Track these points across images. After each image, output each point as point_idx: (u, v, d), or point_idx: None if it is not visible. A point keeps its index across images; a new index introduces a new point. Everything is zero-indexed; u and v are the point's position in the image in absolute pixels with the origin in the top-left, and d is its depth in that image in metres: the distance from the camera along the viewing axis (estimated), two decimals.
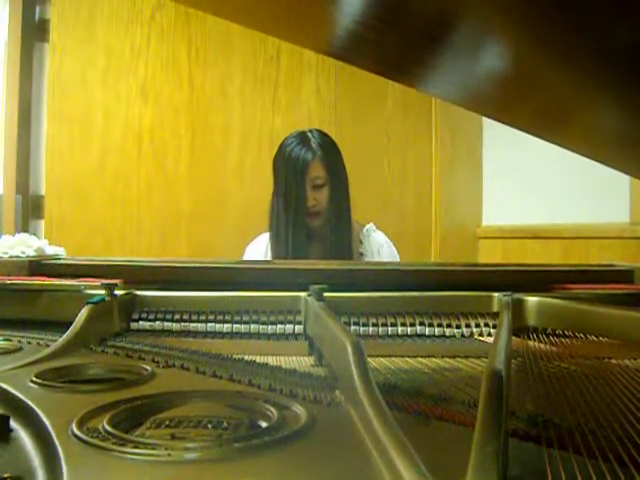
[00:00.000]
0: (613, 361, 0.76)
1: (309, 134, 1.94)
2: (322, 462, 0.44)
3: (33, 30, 2.79)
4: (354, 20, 0.47)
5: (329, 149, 1.95)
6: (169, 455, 0.43)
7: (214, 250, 2.66)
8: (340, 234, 1.94)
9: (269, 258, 1.96)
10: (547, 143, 0.85)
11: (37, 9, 2.79)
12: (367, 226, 2.05)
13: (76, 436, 0.46)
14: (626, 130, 0.77)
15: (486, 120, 2.94)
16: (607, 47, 0.53)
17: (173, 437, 0.48)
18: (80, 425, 0.48)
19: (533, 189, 2.82)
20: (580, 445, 0.45)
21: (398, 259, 2.06)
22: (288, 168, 1.89)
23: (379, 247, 2.01)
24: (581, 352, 0.82)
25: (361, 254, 2.01)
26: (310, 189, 1.90)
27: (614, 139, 0.84)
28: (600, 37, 0.51)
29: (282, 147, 1.94)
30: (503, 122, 0.82)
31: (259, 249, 2.03)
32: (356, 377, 0.55)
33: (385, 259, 2.00)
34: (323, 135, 1.98)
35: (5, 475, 0.40)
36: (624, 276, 1.13)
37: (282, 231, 1.91)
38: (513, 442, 0.47)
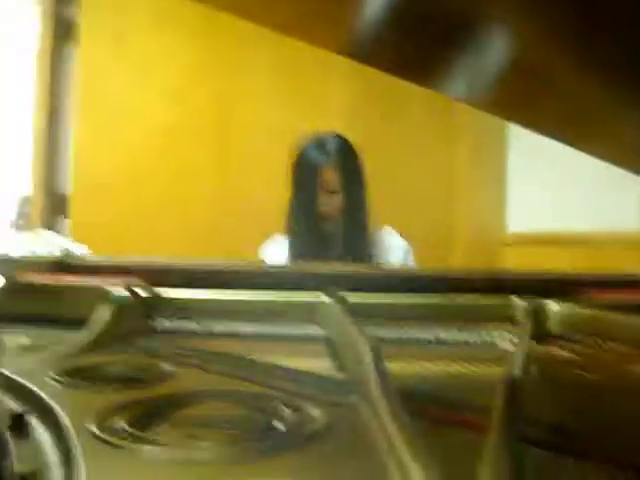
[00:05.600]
0: (637, 370, 0.75)
1: (327, 138, 1.93)
2: (337, 465, 0.44)
3: (62, 32, 2.82)
4: (373, 21, 0.47)
5: (345, 154, 1.91)
6: (185, 455, 0.43)
7: (240, 251, 2.66)
8: (354, 241, 1.92)
9: (283, 259, 1.96)
10: (575, 149, 0.84)
11: (66, 11, 2.83)
12: (383, 229, 2.03)
13: (93, 434, 0.47)
14: None
15: (511, 125, 2.92)
16: (633, 53, 0.52)
17: (190, 436, 0.48)
18: (98, 423, 0.49)
19: (560, 196, 2.79)
20: (598, 455, 0.44)
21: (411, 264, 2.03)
22: (302, 172, 1.89)
23: (392, 250, 1.99)
24: (604, 361, 0.81)
25: (370, 256, 1.98)
26: (323, 194, 1.88)
27: None
28: (627, 45, 0.50)
29: (299, 150, 1.94)
30: (528, 127, 0.81)
31: (273, 250, 2.03)
32: (373, 381, 0.55)
33: (393, 261, 1.98)
34: (341, 140, 1.94)
35: (22, 470, 0.41)
36: None
37: (295, 234, 1.91)
38: (531, 451, 0.47)
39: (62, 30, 2.82)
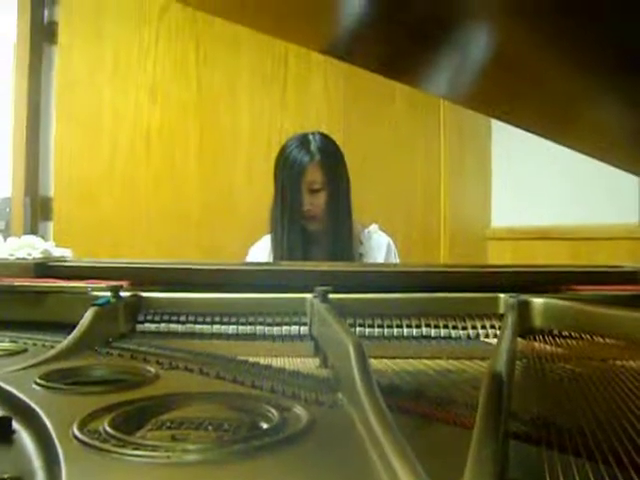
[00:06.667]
0: (618, 362, 0.76)
1: (310, 137, 1.93)
2: (321, 464, 0.44)
3: (41, 32, 2.80)
4: (354, 20, 0.47)
5: (329, 154, 1.92)
6: (168, 457, 0.43)
7: (223, 251, 2.66)
8: (339, 238, 1.93)
9: (271, 260, 1.96)
10: (556, 144, 0.85)
11: (45, 11, 2.80)
12: (370, 227, 2.04)
13: (77, 438, 0.46)
14: (633, 131, 0.76)
15: (495, 121, 2.93)
16: (611, 46, 0.52)
17: (173, 439, 0.48)
18: (81, 427, 0.48)
19: (542, 190, 2.81)
20: (580, 447, 0.45)
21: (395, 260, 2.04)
22: (285, 171, 1.89)
23: (379, 248, 2.00)
24: (586, 353, 0.81)
25: (361, 255, 1.99)
26: (307, 193, 1.89)
27: (621, 140, 0.83)
28: (603, 36, 0.50)
29: (282, 149, 1.94)
30: (508, 123, 0.82)
31: (261, 251, 2.03)
32: (357, 379, 0.55)
33: (379, 260, 1.99)
34: (325, 139, 1.95)
35: (5, 476, 0.40)
36: (630, 277, 1.13)
37: (279, 233, 1.92)
38: (516, 445, 0.47)
39: (41, 30, 2.80)
